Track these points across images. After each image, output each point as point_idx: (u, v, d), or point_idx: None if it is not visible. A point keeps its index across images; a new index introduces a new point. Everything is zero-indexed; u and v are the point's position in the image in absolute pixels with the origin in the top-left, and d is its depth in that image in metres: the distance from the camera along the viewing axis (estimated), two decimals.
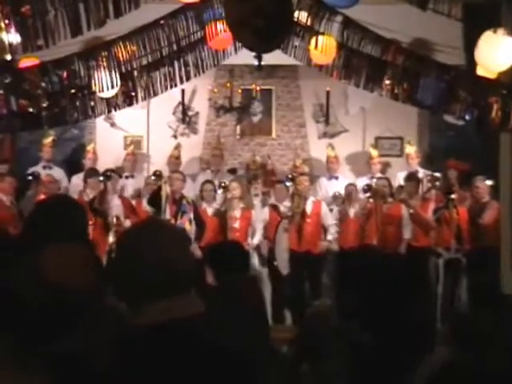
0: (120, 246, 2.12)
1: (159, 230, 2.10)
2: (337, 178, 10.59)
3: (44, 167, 10.29)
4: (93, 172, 9.78)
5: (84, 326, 2.12)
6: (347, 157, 11.30)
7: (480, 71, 6.85)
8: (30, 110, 6.43)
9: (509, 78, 6.82)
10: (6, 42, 5.47)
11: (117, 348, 1.89)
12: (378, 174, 10.39)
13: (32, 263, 2.07)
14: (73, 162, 11.23)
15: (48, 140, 10.39)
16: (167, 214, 9.08)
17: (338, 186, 10.34)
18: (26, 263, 2.18)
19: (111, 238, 8.76)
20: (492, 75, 6.80)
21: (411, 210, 9.26)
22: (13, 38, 5.48)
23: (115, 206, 9.37)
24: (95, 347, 2.04)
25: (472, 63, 6.87)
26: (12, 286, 1.96)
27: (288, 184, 9.72)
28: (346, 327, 4.64)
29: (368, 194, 9.33)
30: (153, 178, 9.73)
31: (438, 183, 9.58)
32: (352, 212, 9.56)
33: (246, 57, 7.18)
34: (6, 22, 5.38)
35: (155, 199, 9.17)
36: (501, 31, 6.21)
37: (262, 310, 5.20)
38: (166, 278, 1.97)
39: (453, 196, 9.14)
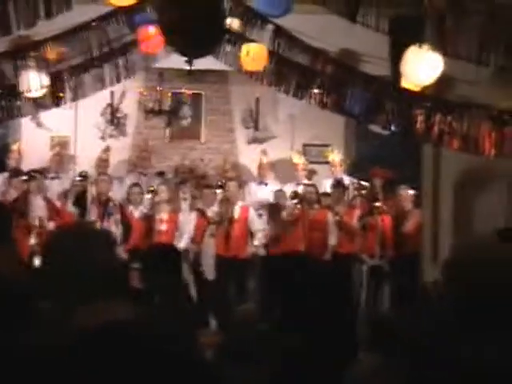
0: (50, 247, 2.12)
1: (88, 231, 2.12)
2: (266, 184, 10.68)
3: None
4: (17, 172, 9.60)
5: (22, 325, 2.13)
6: (275, 163, 11.39)
7: (405, 83, 7.03)
8: None
9: (433, 92, 7.03)
10: None
11: (53, 350, 1.89)
12: (305, 181, 10.52)
13: None
14: None
15: None
16: (92, 216, 9.01)
17: (266, 192, 10.43)
18: None
19: (33, 240, 8.59)
20: (417, 88, 6.99)
21: (337, 217, 9.43)
22: None
23: (38, 207, 9.20)
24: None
25: (398, 75, 7.04)
26: None
27: (218, 191, 9.76)
28: (273, 331, 4.71)
29: (295, 201, 9.44)
30: (78, 178, 9.61)
31: (363, 191, 9.78)
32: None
33: (176, 61, 7.19)
34: None
35: (80, 200, 9.09)
36: (426, 46, 6.39)
37: (189, 314, 5.24)
38: (98, 279, 1.98)
39: (377, 204, 9.35)
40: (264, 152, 10.94)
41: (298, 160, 10.76)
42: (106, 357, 1.86)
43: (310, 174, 11.02)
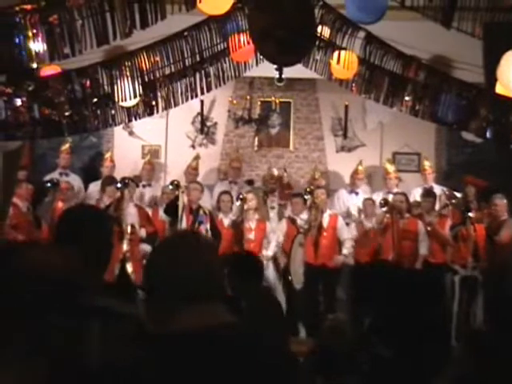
0: (160, 252, 2.20)
1: (196, 238, 2.20)
2: (357, 193, 10.61)
3: (61, 174, 10.34)
4: (110, 180, 9.81)
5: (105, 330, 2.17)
6: (364, 171, 11.31)
7: (500, 90, 6.86)
8: (52, 117, 6.48)
9: None
10: (33, 51, 5.53)
11: (148, 354, 1.92)
12: (395, 189, 10.40)
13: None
14: (90, 170, 11.29)
15: (65, 147, 10.45)
16: (183, 224, 9.12)
17: (356, 201, 10.37)
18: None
19: (125, 246, 8.77)
20: None
21: (429, 227, 9.27)
22: (39, 46, 5.54)
23: (130, 214, 9.38)
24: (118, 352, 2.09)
25: (491, 81, 6.89)
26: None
27: (306, 197, 9.74)
28: (365, 341, 4.67)
29: (385, 209, 9.33)
30: (170, 187, 9.73)
31: (454, 200, 9.58)
32: (369, 226, 9.58)
33: (265, 69, 7.23)
34: (34, 31, 5.45)
35: (172, 208, 9.21)
36: None
37: (280, 321, 5.24)
38: (203, 284, 2.04)
39: (470, 213, 9.14)
40: (361, 161, 10.85)
41: (389, 168, 10.64)
42: (207, 360, 1.89)
43: (400, 182, 10.89)
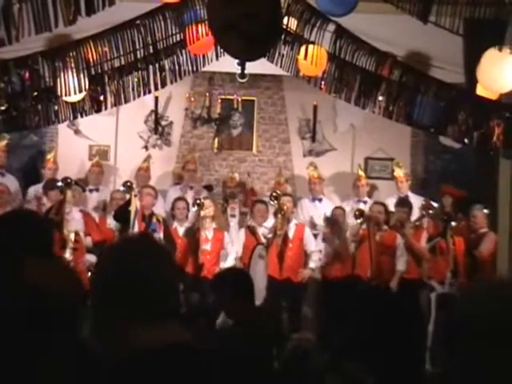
0: (107, 260, 2.13)
1: (151, 243, 2.16)
2: (320, 199, 10.56)
3: None
4: (54, 183, 9.64)
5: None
6: (333, 177, 11.31)
7: (481, 91, 6.90)
8: None
9: None
10: None
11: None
12: (366, 198, 10.41)
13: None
14: (30, 172, 11.11)
15: (2, 144, 10.23)
16: (135, 231, 9.01)
17: (321, 209, 10.33)
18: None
19: (68, 255, 8.60)
20: (494, 96, 6.85)
21: (403, 239, 9.26)
22: None
23: (75, 220, 9.24)
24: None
25: (472, 82, 6.92)
26: None
27: (272, 203, 9.65)
28: (334, 363, 4.62)
29: (359, 220, 9.28)
30: (122, 189, 9.56)
31: (432, 211, 9.60)
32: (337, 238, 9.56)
33: (227, 64, 7.19)
34: None
35: (122, 214, 9.10)
36: (506, 49, 6.26)
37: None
38: (159, 298, 2.00)
39: (452, 224, 9.14)
40: (313, 165, 10.79)
41: (360, 175, 10.63)
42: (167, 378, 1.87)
43: (371, 190, 10.91)
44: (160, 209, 9.93)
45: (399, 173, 10.62)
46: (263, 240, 9.40)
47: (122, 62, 6.91)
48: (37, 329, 2.04)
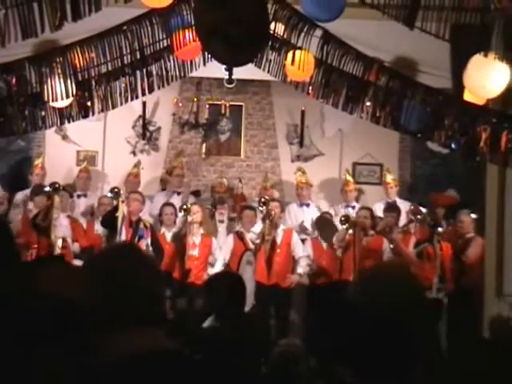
0: (94, 267, 2.14)
1: (136, 251, 2.17)
2: (308, 205, 10.58)
3: None
4: (41, 189, 9.63)
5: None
6: (321, 183, 11.33)
7: (468, 96, 6.93)
8: None
9: (499, 105, 6.92)
10: None
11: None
12: (354, 203, 10.43)
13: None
14: (17, 177, 11.08)
15: None
16: (122, 237, 9.01)
17: (308, 215, 10.35)
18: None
19: None
20: (481, 101, 6.88)
21: (391, 244, 9.28)
22: None
23: (62, 226, 9.23)
24: None
25: (459, 87, 6.95)
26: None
27: (261, 208, 9.66)
28: (322, 370, 4.63)
29: (345, 226, 9.30)
30: (110, 194, 9.59)
31: (420, 216, 9.63)
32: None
33: (214, 69, 7.20)
34: None
35: (110, 220, 9.09)
36: (492, 55, 6.29)
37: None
38: (143, 305, 2.01)
39: (440, 229, 9.17)
40: (301, 170, 10.81)
41: (348, 180, 10.66)
42: None
43: (359, 195, 10.94)
44: (147, 214, 9.92)
45: (389, 178, 10.66)
46: (251, 245, 9.41)
47: (110, 68, 6.90)
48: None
